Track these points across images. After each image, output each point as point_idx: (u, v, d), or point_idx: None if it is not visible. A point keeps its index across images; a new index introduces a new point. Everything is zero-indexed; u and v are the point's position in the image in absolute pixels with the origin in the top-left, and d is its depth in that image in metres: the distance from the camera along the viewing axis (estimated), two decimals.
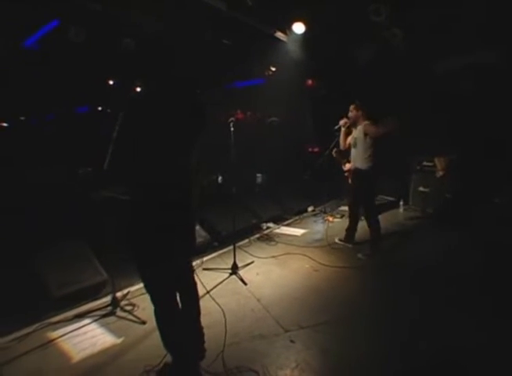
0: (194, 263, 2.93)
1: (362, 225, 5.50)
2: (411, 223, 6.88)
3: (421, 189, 7.48)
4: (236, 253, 4.72)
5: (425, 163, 7.49)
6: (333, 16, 5.99)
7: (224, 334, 3.08)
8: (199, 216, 5.50)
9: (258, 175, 9.55)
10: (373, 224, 5.31)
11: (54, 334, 3.29)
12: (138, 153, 2.51)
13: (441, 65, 7.24)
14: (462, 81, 6.87)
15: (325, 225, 6.73)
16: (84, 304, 3.83)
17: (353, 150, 5.36)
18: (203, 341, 2.84)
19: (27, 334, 3.27)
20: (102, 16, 5.36)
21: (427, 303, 3.77)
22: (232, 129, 4.36)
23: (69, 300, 3.76)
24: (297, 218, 7.49)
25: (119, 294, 3.81)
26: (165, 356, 2.70)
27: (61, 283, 3.78)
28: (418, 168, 7.63)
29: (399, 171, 8.07)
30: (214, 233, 5.75)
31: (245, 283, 4.32)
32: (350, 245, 5.56)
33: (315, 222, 7.21)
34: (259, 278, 4.52)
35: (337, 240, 5.71)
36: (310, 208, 7.95)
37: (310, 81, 9.48)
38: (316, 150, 9.40)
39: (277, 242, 5.90)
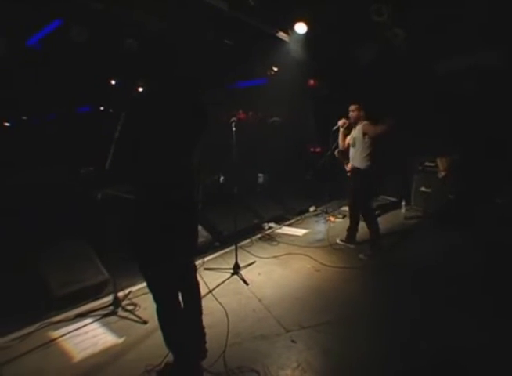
0: (196, 263, 2.92)
1: (363, 225, 5.48)
2: (413, 223, 6.86)
3: (423, 189, 7.45)
4: (238, 253, 4.71)
5: (427, 163, 7.47)
6: (335, 16, 5.98)
7: (226, 334, 3.09)
8: (200, 216, 5.50)
9: (260, 175, 9.55)
10: (372, 224, 5.33)
11: (55, 334, 3.29)
12: (140, 153, 2.51)
13: (442, 65, 7.22)
14: (464, 81, 6.85)
15: (326, 226, 6.73)
16: (85, 303, 3.83)
17: (352, 150, 5.39)
18: (205, 341, 2.85)
19: (28, 334, 3.27)
20: (105, 15, 5.37)
21: (428, 303, 3.77)
22: (233, 129, 4.36)
23: (70, 299, 3.77)
24: (298, 218, 7.48)
25: (120, 294, 3.81)
26: (166, 355, 2.70)
27: (63, 282, 3.78)
28: (420, 168, 7.61)
29: (401, 171, 8.07)
30: (215, 233, 5.75)
31: (246, 283, 4.32)
32: (351, 245, 5.55)
33: (316, 222, 7.20)
34: (261, 278, 4.52)
35: (338, 241, 5.71)
36: (312, 208, 7.94)
37: (312, 81, 9.46)
38: (318, 150, 9.39)
39: (279, 242, 5.90)
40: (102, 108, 12.17)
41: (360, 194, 5.31)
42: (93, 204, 3.48)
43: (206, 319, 2.91)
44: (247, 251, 5.40)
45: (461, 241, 5.59)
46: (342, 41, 6.92)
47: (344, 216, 7.18)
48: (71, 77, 8.02)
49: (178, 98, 2.64)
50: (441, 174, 7.08)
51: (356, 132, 5.29)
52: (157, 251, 2.51)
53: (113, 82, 9.45)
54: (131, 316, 3.55)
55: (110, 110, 11.68)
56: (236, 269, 4.60)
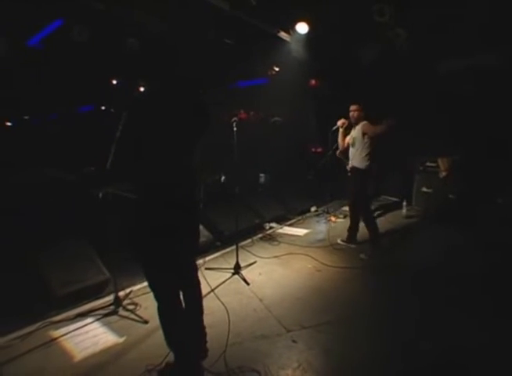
0: (197, 263, 2.92)
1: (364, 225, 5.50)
2: (414, 224, 6.85)
3: (424, 189, 7.45)
4: (239, 253, 4.71)
5: (428, 163, 7.47)
6: (337, 16, 5.98)
7: (226, 334, 3.09)
8: (202, 216, 5.50)
9: (261, 174, 9.55)
10: (370, 224, 5.35)
11: (56, 333, 3.29)
12: (141, 152, 2.51)
13: (444, 65, 7.22)
14: (465, 81, 6.85)
15: (327, 226, 6.73)
16: (86, 303, 3.83)
17: (351, 150, 5.41)
18: (206, 341, 2.85)
19: (29, 333, 3.28)
20: (106, 15, 5.37)
21: (429, 303, 3.76)
22: (235, 129, 4.35)
23: (71, 299, 3.77)
24: (299, 218, 7.48)
25: (121, 294, 3.81)
26: (167, 355, 2.70)
27: (64, 282, 3.78)
28: (421, 168, 7.61)
29: (402, 171, 8.07)
30: (216, 232, 5.75)
31: (247, 283, 4.32)
32: (352, 245, 5.55)
33: (317, 222, 7.20)
34: (261, 278, 4.52)
35: (339, 241, 5.70)
36: (313, 208, 7.93)
37: (313, 81, 9.46)
38: (319, 150, 9.38)
39: (280, 242, 5.90)
40: (103, 108, 12.19)
41: (360, 194, 5.32)
42: (94, 203, 3.48)
43: (207, 319, 2.91)
44: (248, 251, 5.40)
45: (462, 241, 5.59)
46: (344, 41, 6.92)
47: (345, 216, 7.17)
48: (73, 77, 8.03)
49: (180, 98, 2.65)
50: (443, 174, 7.08)
51: (356, 132, 5.32)
52: (159, 250, 2.51)
53: (114, 82, 9.46)
54: (132, 316, 3.55)
55: (112, 110, 11.69)
56: (237, 268, 4.59)
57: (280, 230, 6.62)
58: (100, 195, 3.47)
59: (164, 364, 2.72)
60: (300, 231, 6.54)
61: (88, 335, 3.26)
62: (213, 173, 8.00)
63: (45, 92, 9.06)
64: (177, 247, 2.60)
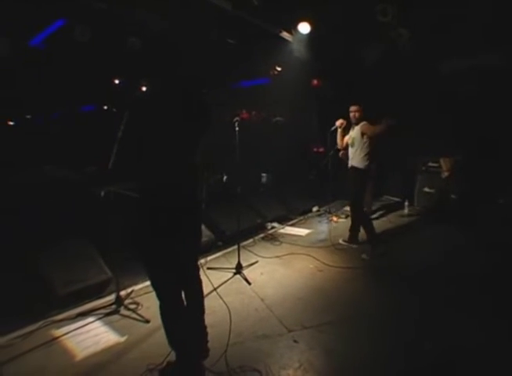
0: (198, 262, 2.92)
1: None
2: (416, 224, 6.84)
3: (426, 189, 7.45)
4: (241, 253, 4.71)
5: (430, 164, 7.47)
6: (339, 16, 5.97)
7: (228, 334, 3.09)
8: (204, 215, 5.50)
9: (263, 174, 9.54)
10: (365, 225, 5.38)
11: (58, 332, 3.30)
12: (143, 152, 2.51)
13: (447, 65, 7.21)
14: (468, 81, 6.84)
15: (329, 226, 6.72)
16: (88, 302, 3.84)
17: (351, 150, 5.42)
18: (207, 341, 2.84)
19: (31, 332, 3.28)
20: (108, 14, 5.38)
21: (430, 303, 3.75)
22: (237, 129, 4.35)
23: (73, 298, 3.77)
24: (301, 218, 7.47)
25: (123, 293, 3.82)
26: (168, 354, 2.70)
27: (65, 281, 3.78)
28: (423, 168, 7.61)
29: (405, 171, 8.06)
30: (218, 232, 5.76)
31: (249, 283, 4.32)
32: (354, 246, 5.54)
33: (319, 222, 7.20)
34: (263, 278, 4.51)
35: (340, 241, 5.70)
36: (315, 208, 7.93)
37: (316, 81, 9.45)
38: (321, 150, 9.36)
39: (281, 242, 5.90)
40: (105, 107, 12.20)
41: (359, 194, 5.33)
42: (96, 202, 3.48)
43: (208, 319, 2.91)
44: (250, 251, 5.40)
45: (464, 241, 5.59)
46: (346, 41, 6.91)
47: (346, 216, 7.15)
48: (74, 77, 8.04)
49: (182, 97, 2.64)
50: (445, 174, 7.07)
51: (355, 132, 5.33)
52: (161, 249, 2.52)
53: (116, 81, 9.47)
54: (134, 315, 3.55)
55: (114, 110, 11.70)
56: (239, 268, 4.59)
57: (282, 230, 6.62)
58: (102, 194, 3.47)
59: (165, 363, 2.72)
60: (302, 231, 6.54)
61: (90, 334, 3.27)
62: (215, 173, 8.00)
63: (47, 91, 9.07)
64: (179, 247, 2.60)
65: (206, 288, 2.96)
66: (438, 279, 4.35)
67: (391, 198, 8.51)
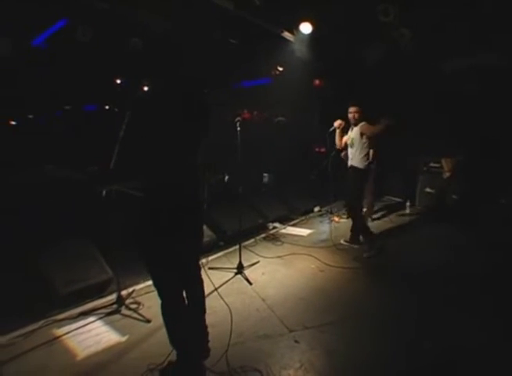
0: (200, 262, 2.92)
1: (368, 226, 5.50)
2: (417, 224, 6.84)
3: (428, 190, 7.45)
4: (242, 253, 4.72)
5: (432, 164, 7.48)
6: (341, 16, 5.97)
7: (229, 334, 3.09)
8: (205, 215, 5.50)
9: (265, 174, 9.54)
10: (359, 227, 5.44)
11: (59, 332, 3.30)
12: (145, 152, 2.52)
13: (448, 65, 7.20)
14: (468, 80, 6.83)
15: (331, 226, 6.70)
16: (89, 302, 3.84)
17: (350, 150, 5.41)
18: (208, 340, 2.84)
19: (33, 331, 3.29)
20: (110, 15, 5.38)
21: (432, 303, 3.76)
22: (238, 129, 4.35)
23: (74, 298, 3.78)
24: (303, 218, 7.47)
25: (124, 293, 3.83)
26: (169, 354, 2.71)
27: (67, 280, 3.78)
28: (425, 168, 7.61)
29: (406, 172, 8.05)
30: (220, 232, 5.76)
31: (250, 283, 4.32)
32: (355, 246, 5.54)
33: (321, 222, 7.19)
34: (264, 278, 4.51)
35: (342, 241, 5.70)
36: (316, 208, 7.92)
37: (317, 81, 9.45)
38: (323, 150, 9.34)
39: (283, 242, 5.89)
40: (107, 107, 12.20)
41: (358, 193, 5.34)
42: (97, 202, 3.48)
43: (209, 319, 2.91)
44: (251, 251, 5.40)
45: (465, 241, 5.60)
46: (348, 41, 6.90)
47: (348, 216, 7.15)
48: (77, 77, 8.04)
49: (183, 97, 2.64)
50: (446, 174, 7.07)
51: (354, 133, 5.32)
52: (163, 249, 2.52)
53: (118, 81, 9.47)
54: (135, 315, 3.55)
55: (116, 110, 11.70)
56: (240, 268, 4.59)
57: (283, 230, 6.62)
58: (104, 193, 3.48)
59: (166, 363, 2.72)
60: (303, 231, 6.54)
61: (91, 334, 3.27)
62: (216, 173, 8.00)
63: (49, 91, 9.08)
64: (181, 246, 2.60)
65: (207, 288, 2.96)
66: (439, 279, 4.35)
67: (393, 198, 8.50)
